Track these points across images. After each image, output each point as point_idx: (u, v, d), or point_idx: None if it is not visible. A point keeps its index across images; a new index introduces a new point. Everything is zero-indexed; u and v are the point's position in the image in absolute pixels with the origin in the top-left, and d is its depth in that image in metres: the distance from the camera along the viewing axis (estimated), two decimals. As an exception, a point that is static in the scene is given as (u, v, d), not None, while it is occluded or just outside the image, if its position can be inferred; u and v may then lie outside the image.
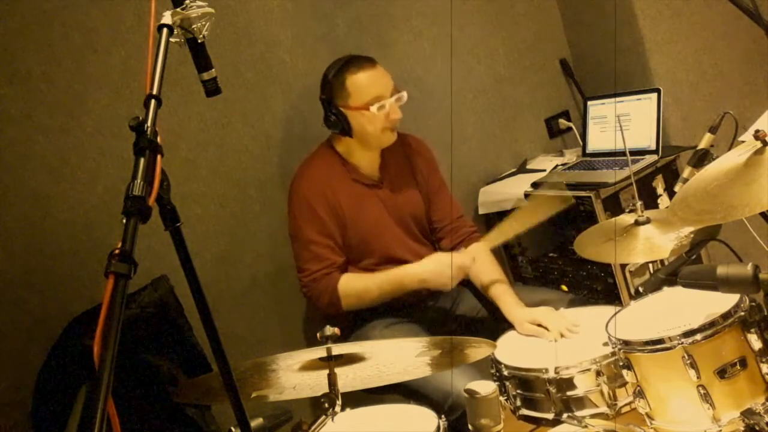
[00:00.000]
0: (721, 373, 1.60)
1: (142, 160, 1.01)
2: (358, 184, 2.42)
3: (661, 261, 2.27)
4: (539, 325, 2.14)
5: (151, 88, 1.09)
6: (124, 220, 0.96)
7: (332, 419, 1.42)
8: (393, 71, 2.56)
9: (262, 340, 2.73)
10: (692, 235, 1.85)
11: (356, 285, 2.35)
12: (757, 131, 1.60)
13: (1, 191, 2.30)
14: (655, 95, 2.84)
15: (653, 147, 2.82)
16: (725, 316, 1.62)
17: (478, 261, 2.46)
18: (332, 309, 2.34)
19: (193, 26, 1.21)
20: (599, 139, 3.02)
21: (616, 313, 1.87)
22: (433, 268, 2.28)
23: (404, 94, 2.35)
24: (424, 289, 2.35)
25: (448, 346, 1.66)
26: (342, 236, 2.38)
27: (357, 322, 2.40)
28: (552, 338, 2.07)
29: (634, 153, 2.79)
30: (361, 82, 2.30)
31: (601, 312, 2.05)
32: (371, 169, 2.46)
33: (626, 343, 1.71)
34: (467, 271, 2.31)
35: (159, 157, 1.03)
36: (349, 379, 1.58)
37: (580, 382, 1.85)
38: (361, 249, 2.41)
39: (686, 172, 1.94)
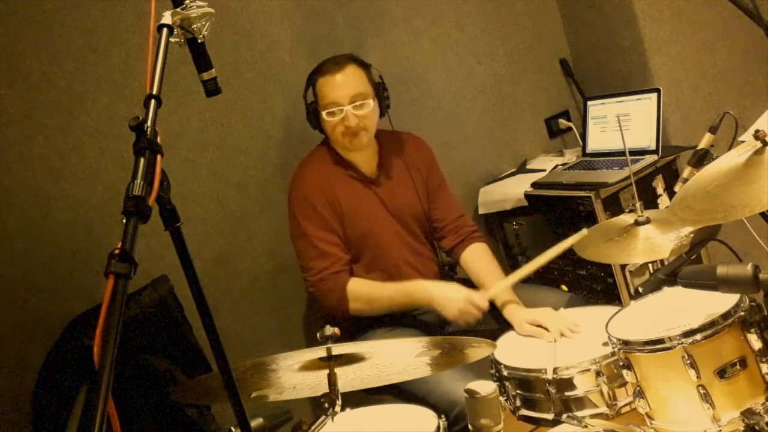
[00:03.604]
0: (721, 373, 1.60)
1: (142, 160, 1.01)
2: (355, 181, 2.42)
3: (661, 261, 2.27)
4: (539, 326, 2.13)
5: (151, 88, 1.09)
6: (124, 220, 0.96)
7: (332, 419, 1.42)
8: (393, 71, 2.56)
9: (262, 340, 2.73)
10: (692, 235, 1.85)
11: (366, 291, 2.33)
12: (757, 131, 1.60)
13: (1, 191, 2.30)
14: (655, 95, 2.84)
15: (653, 147, 2.82)
16: (725, 316, 1.61)
17: (478, 261, 2.45)
18: (338, 311, 2.33)
19: (193, 26, 1.21)
20: (599, 139, 3.02)
21: (616, 313, 1.87)
22: (446, 295, 2.26)
23: (367, 103, 2.32)
24: (432, 308, 2.32)
25: (448, 346, 1.66)
26: (342, 233, 2.38)
27: (356, 326, 2.39)
28: (551, 338, 2.07)
29: (634, 153, 2.79)
30: (323, 86, 2.33)
31: (601, 312, 2.05)
32: (369, 167, 2.46)
33: (626, 343, 1.71)
34: (477, 313, 2.23)
35: (159, 157, 1.03)
36: (349, 379, 1.58)
37: (579, 382, 1.85)
38: (359, 246, 2.40)
39: (686, 172, 1.94)
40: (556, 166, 3.05)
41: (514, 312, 2.23)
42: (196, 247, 2.47)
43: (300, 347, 1.85)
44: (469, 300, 2.22)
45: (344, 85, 2.31)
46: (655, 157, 2.80)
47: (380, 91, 2.39)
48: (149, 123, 1.05)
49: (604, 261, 2.53)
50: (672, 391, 1.66)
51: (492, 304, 2.32)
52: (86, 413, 0.84)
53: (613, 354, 1.78)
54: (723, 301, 1.63)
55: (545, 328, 2.11)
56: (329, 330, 1.50)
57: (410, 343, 1.72)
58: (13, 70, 2.31)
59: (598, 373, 1.83)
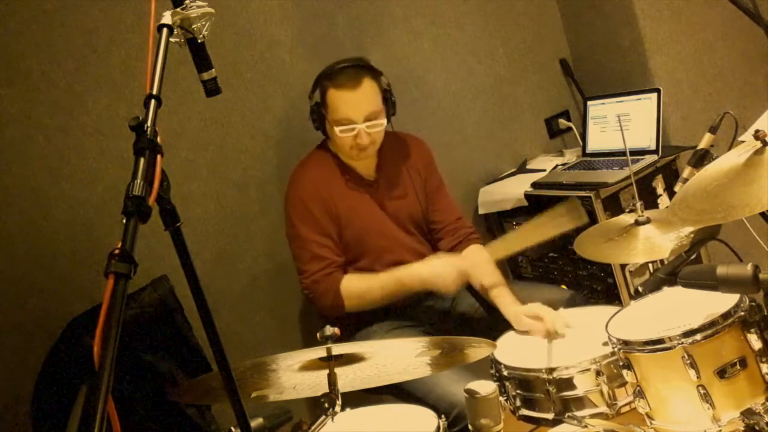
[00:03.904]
0: (721, 373, 1.59)
1: (142, 160, 1.01)
2: (353, 184, 2.43)
3: (661, 261, 2.27)
4: (535, 320, 2.14)
5: (151, 88, 1.09)
6: (124, 220, 0.96)
7: (332, 419, 1.42)
8: (393, 71, 2.56)
9: (262, 340, 2.73)
10: (692, 235, 1.85)
11: (359, 285, 2.34)
12: (757, 131, 1.60)
13: (1, 191, 2.30)
14: (655, 95, 2.84)
15: (653, 147, 2.82)
16: (725, 316, 1.61)
17: (477, 262, 2.45)
18: (335, 311, 2.33)
19: (193, 26, 1.21)
20: (599, 139, 3.02)
21: (616, 313, 1.87)
22: (434, 269, 2.28)
23: (380, 122, 2.32)
24: (426, 289, 2.34)
25: (448, 346, 1.66)
26: (339, 236, 2.38)
27: (357, 325, 2.40)
28: (547, 328, 2.07)
29: (634, 153, 2.79)
30: (337, 101, 2.31)
31: (601, 312, 2.05)
32: (367, 169, 2.46)
33: (626, 343, 1.71)
34: (467, 276, 2.29)
35: (159, 157, 1.03)
36: (349, 379, 1.58)
37: (579, 382, 1.85)
38: (358, 249, 2.41)
39: (686, 172, 1.94)
40: (556, 166, 3.05)
41: (509, 307, 2.23)
42: (196, 247, 2.47)
43: (299, 347, 1.85)
44: (458, 267, 2.25)
45: (359, 104, 2.29)
46: (655, 157, 2.80)
47: (388, 99, 2.39)
48: (149, 123, 1.04)
49: (604, 261, 2.54)
50: (672, 391, 1.66)
51: (491, 306, 2.33)
52: (86, 413, 0.83)
53: (613, 354, 1.78)
54: (723, 301, 1.63)
55: (542, 322, 2.11)
56: (329, 330, 1.50)
57: (410, 343, 1.72)
58: (13, 70, 2.31)
59: (598, 373, 1.82)
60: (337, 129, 2.30)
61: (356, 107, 2.29)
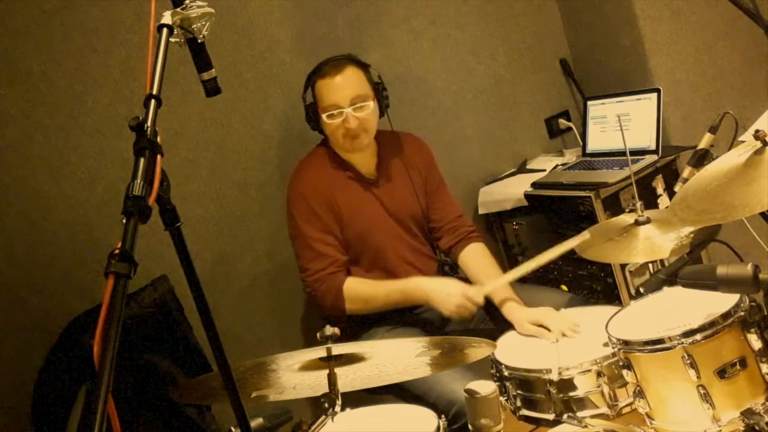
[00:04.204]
0: (721, 373, 1.60)
1: (142, 160, 1.01)
2: (354, 181, 2.43)
3: (661, 261, 2.27)
4: (540, 326, 2.13)
5: (151, 88, 1.09)
6: (124, 220, 0.96)
7: (332, 419, 1.42)
8: (393, 71, 2.56)
9: (262, 340, 2.73)
10: (692, 235, 1.85)
11: (362, 290, 2.34)
12: (757, 131, 1.61)
13: (1, 191, 2.30)
14: (655, 95, 2.84)
15: (653, 147, 2.82)
16: (725, 316, 1.61)
17: (476, 261, 2.45)
18: (335, 311, 2.33)
19: (193, 26, 1.21)
20: (599, 139, 3.02)
21: (616, 313, 1.87)
22: (441, 290, 2.27)
23: (367, 105, 2.31)
24: (428, 304, 2.32)
25: (448, 346, 1.66)
26: (341, 233, 2.38)
27: (357, 325, 2.39)
28: (553, 338, 2.07)
29: (634, 153, 2.79)
30: (322, 89, 2.33)
31: (601, 312, 2.05)
32: (368, 168, 2.46)
33: (626, 343, 1.71)
34: (472, 308, 2.24)
35: (159, 157, 1.03)
36: (349, 379, 1.58)
37: (580, 382, 1.85)
38: (359, 247, 2.41)
39: (686, 172, 1.94)
40: (556, 166, 3.05)
41: (515, 311, 2.22)
42: (196, 247, 2.48)
43: (299, 347, 1.85)
44: (465, 295, 2.23)
45: (344, 87, 2.31)
46: (655, 157, 2.80)
47: (379, 91, 2.40)
48: (149, 123, 1.05)
49: (604, 261, 2.54)
50: (672, 391, 1.66)
51: (492, 304, 2.32)
52: (86, 413, 0.83)
53: (613, 354, 1.78)
54: (723, 301, 1.63)
55: (546, 328, 2.11)
56: (329, 330, 1.50)
57: (410, 343, 1.72)
58: (13, 70, 2.30)
59: (599, 374, 1.82)
60: (324, 116, 2.31)
61: (341, 92, 2.30)
